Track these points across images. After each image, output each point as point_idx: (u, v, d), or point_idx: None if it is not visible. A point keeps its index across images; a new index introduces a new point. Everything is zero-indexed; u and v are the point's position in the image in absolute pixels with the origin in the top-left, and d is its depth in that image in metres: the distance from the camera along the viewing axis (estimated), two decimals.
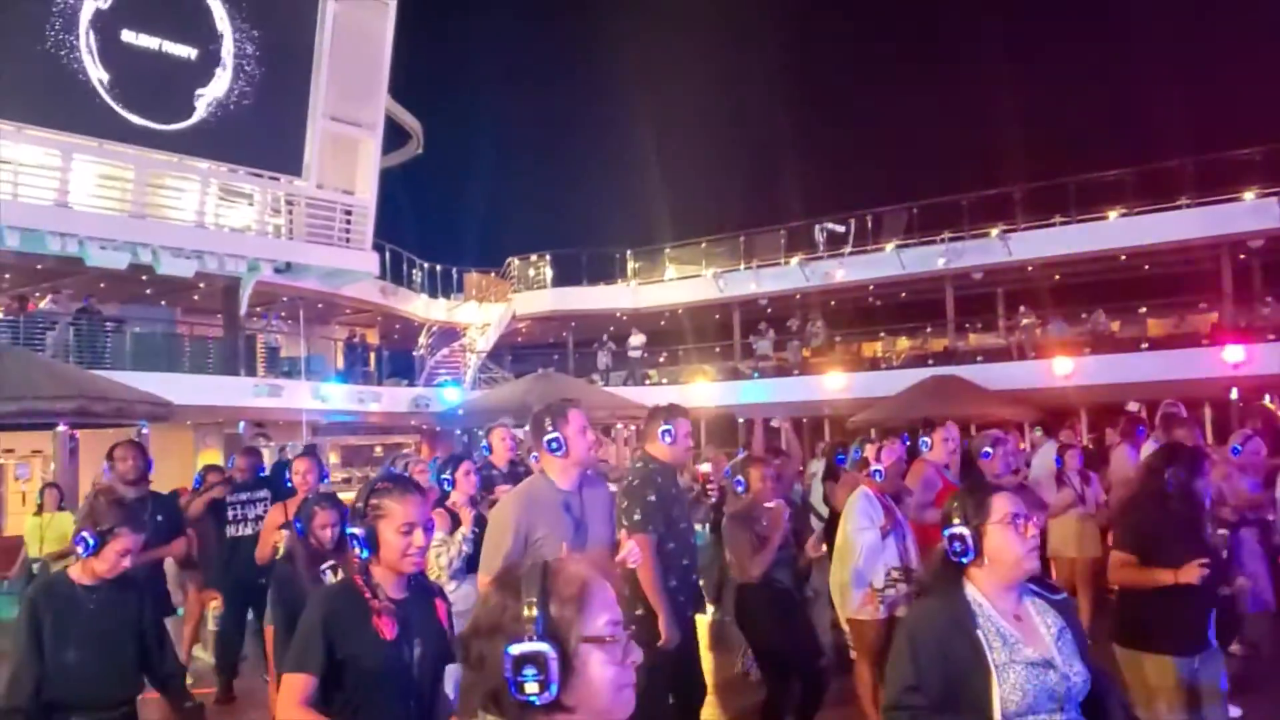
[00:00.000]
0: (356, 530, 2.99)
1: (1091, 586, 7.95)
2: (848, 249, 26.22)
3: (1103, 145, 25.44)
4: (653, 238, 31.58)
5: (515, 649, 1.57)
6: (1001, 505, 2.76)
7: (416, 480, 5.92)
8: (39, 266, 18.19)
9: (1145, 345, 22.61)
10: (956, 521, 2.77)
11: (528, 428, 4.39)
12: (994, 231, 23.71)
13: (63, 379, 13.68)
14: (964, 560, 2.74)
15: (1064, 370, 20.32)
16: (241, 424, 21.23)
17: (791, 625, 5.82)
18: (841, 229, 26.24)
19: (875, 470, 6.06)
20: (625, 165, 41.75)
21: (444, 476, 6.00)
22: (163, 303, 22.50)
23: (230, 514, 7.76)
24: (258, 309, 23.16)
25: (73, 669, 3.72)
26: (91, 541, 3.79)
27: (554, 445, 4.15)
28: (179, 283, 20.06)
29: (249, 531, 7.57)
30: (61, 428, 13.98)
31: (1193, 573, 4.13)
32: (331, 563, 4.63)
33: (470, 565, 5.38)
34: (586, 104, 41.53)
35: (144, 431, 16.16)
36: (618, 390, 25.62)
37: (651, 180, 35.46)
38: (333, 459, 26.18)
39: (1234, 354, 18.82)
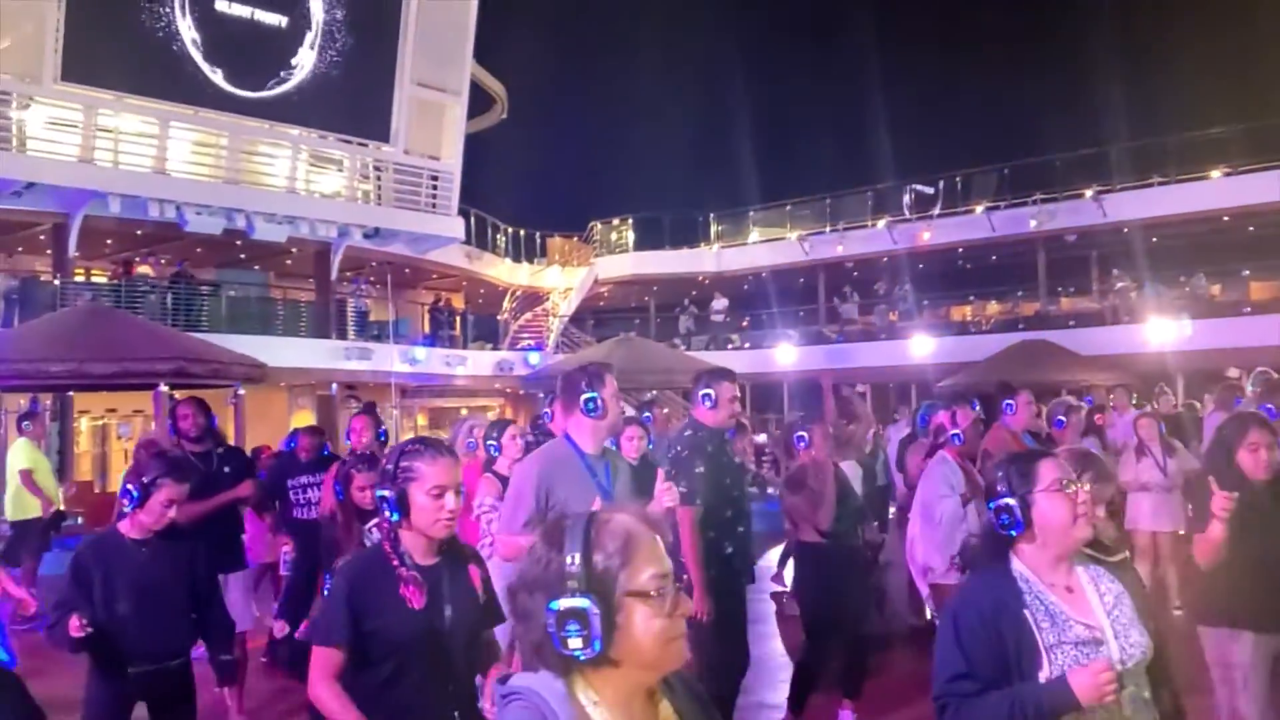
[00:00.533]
0: (386, 493, 2.89)
1: (1174, 562, 7.67)
2: (936, 211, 25.73)
3: (1205, 101, 24.41)
4: (737, 200, 31.35)
5: (557, 604, 1.56)
6: (1049, 471, 2.62)
7: (445, 442, 5.99)
8: (139, 232, 18.79)
9: (1247, 309, 21.82)
10: (1001, 491, 2.62)
11: (558, 390, 4.28)
12: (1088, 193, 23.02)
13: (161, 341, 14.09)
14: (1012, 533, 2.61)
15: (1160, 335, 19.69)
16: (333, 386, 21.73)
17: (842, 586, 5.65)
18: (930, 191, 25.76)
19: (955, 434, 5.99)
20: (709, 127, 41.48)
21: (490, 441, 5.98)
22: (256, 267, 23.10)
23: (292, 497, 7.11)
24: (347, 274, 23.61)
25: (125, 622, 3.73)
26: (136, 494, 3.81)
27: (591, 407, 4.06)
28: (272, 248, 20.54)
29: (313, 515, 6.80)
30: (161, 388, 14.44)
31: None
32: (375, 522, 4.65)
33: None
34: (671, 67, 41.23)
35: (239, 393, 16.64)
36: (700, 355, 25.57)
37: (736, 142, 35.17)
38: (420, 421, 26.69)
39: None
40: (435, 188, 22.74)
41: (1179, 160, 22.35)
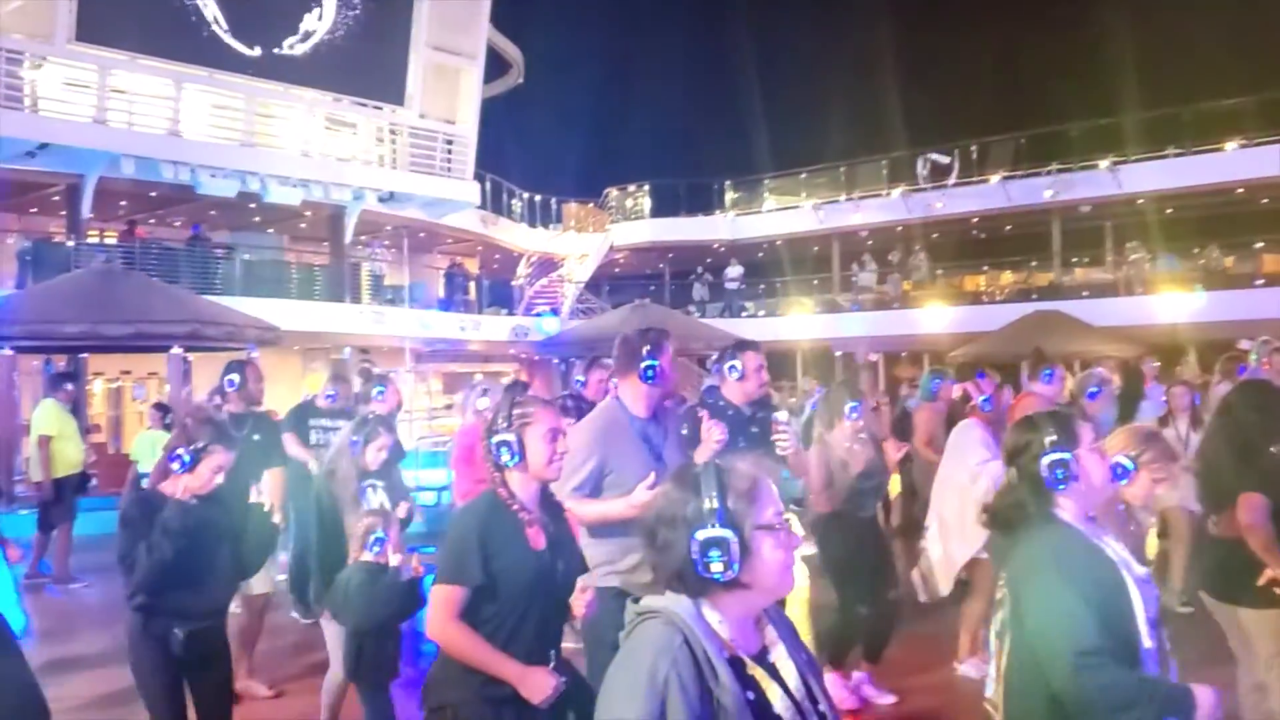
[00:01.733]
0: (506, 437, 3.02)
1: (1183, 541, 7.36)
2: (952, 180, 25.60)
3: (1220, 73, 24.13)
4: (752, 168, 31.25)
5: (701, 534, 1.85)
6: (1087, 433, 2.74)
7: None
8: (152, 194, 18.89)
9: (1260, 281, 21.72)
10: (1052, 446, 2.67)
11: (615, 353, 4.23)
12: (1104, 163, 22.88)
13: (176, 303, 14.24)
14: (1061, 487, 2.66)
15: (1173, 307, 19.63)
16: (347, 349, 21.89)
17: (863, 555, 5.69)
18: (946, 160, 25.63)
19: (985, 400, 6.03)
20: (725, 95, 41.17)
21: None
22: (270, 230, 23.21)
23: (313, 437, 7.26)
24: (362, 237, 23.70)
25: (170, 580, 3.84)
26: (188, 459, 3.91)
27: (650, 374, 4.02)
28: (286, 211, 20.62)
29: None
30: (176, 350, 14.59)
31: None
32: (372, 481, 4.83)
33: None
34: (686, 33, 40.98)
35: (253, 355, 16.80)
36: (714, 322, 25.59)
37: (751, 110, 34.87)
38: (435, 385, 26.85)
39: None
40: (450, 152, 22.75)
41: (1194, 132, 22.21)
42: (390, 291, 23.88)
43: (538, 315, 26.47)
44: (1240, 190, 21.80)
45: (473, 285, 26.58)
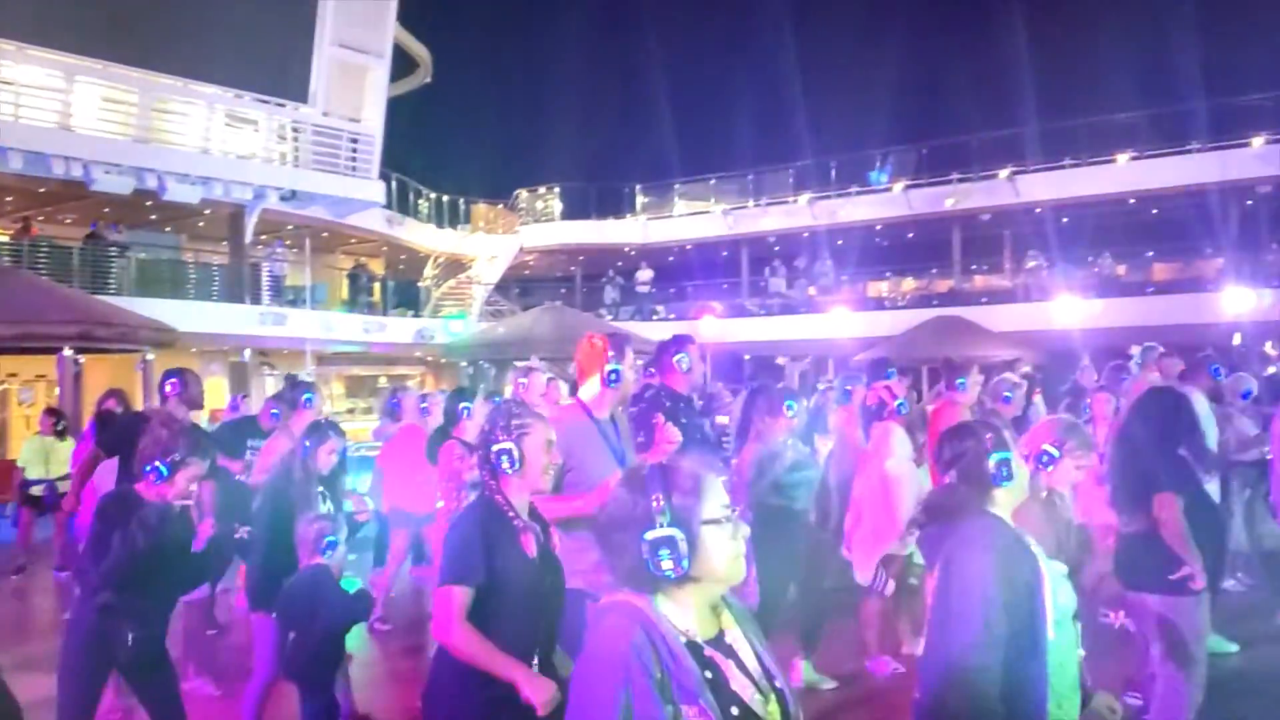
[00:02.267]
0: (506, 446, 3.12)
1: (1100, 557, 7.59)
2: (854, 189, 26.10)
3: (1115, 87, 25.05)
4: (663, 173, 31.42)
5: (650, 535, 1.94)
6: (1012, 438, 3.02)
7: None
8: (42, 190, 18.18)
9: (1150, 289, 22.56)
10: (994, 448, 2.90)
11: (577, 356, 4.36)
12: (1003, 173, 23.52)
13: (66, 303, 13.77)
14: (1006, 484, 2.89)
15: (1068, 313, 20.24)
16: (246, 352, 21.37)
17: (794, 546, 5.86)
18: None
19: (901, 404, 6.31)
20: (636, 99, 41.37)
21: (464, 405, 6.19)
22: (168, 229, 22.52)
23: (248, 456, 7.32)
24: (263, 237, 23.15)
25: (135, 580, 3.91)
26: (165, 470, 4.00)
27: (613, 379, 4.17)
28: (184, 209, 20.04)
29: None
30: (67, 352, 14.09)
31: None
32: (321, 490, 4.96)
33: None
34: (597, 35, 40.97)
35: (148, 358, 16.30)
36: (626, 325, 25.64)
37: (662, 115, 35.07)
38: (337, 389, 26.36)
39: (1237, 299, 18.73)
40: (355, 151, 22.36)
41: (1089, 144, 22.96)
42: (292, 292, 23.36)
43: (445, 317, 26.18)
44: (1132, 201, 22.60)
45: (378, 286, 26.17)
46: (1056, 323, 20.55)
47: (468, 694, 3.02)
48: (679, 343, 5.11)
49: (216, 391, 22.14)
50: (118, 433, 6.58)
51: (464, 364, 24.86)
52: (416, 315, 26.39)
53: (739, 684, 1.97)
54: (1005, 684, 2.63)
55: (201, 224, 21.85)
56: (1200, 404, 6.38)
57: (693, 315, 26.49)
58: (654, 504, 1.96)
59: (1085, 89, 26.99)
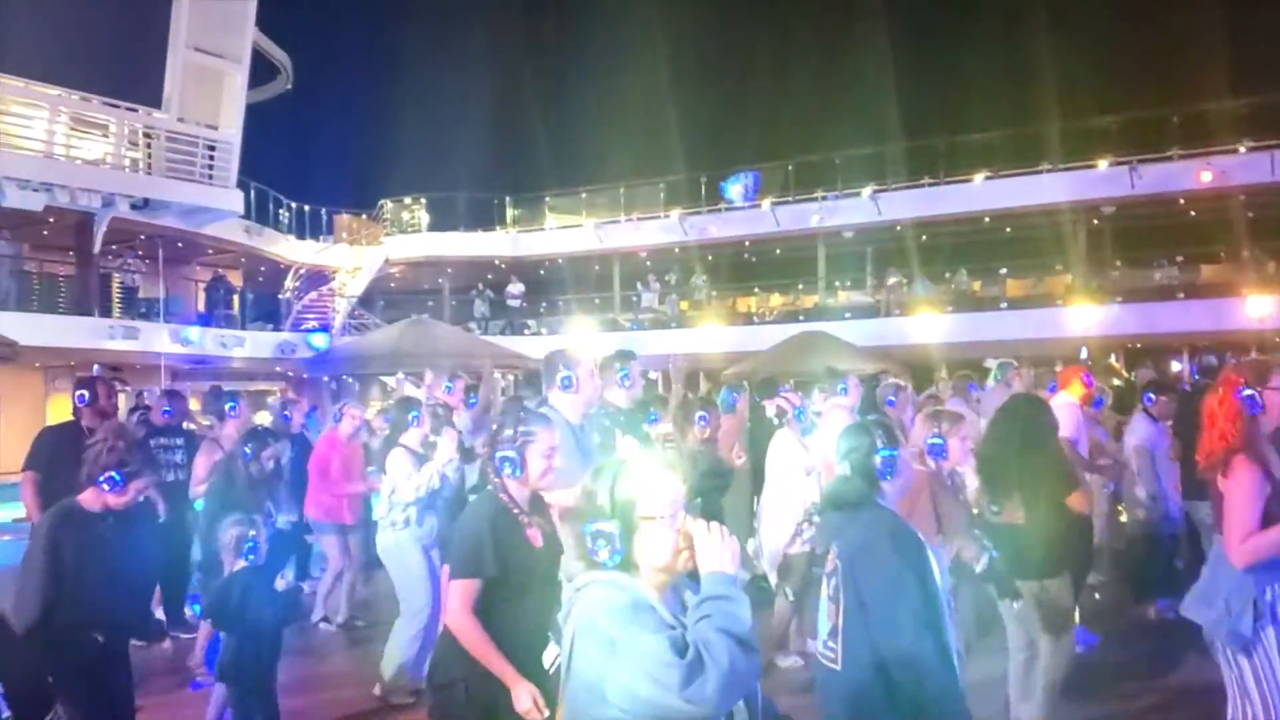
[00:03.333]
0: (509, 453, 3.46)
1: None
2: (724, 205, 26.47)
3: (974, 109, 26.08)
4: (533, 184, 31.26)
5: (589, 527, 2.19)
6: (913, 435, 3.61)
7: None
8: None
9: (1004, 305, 23.48)
10: (882, 446, 3.35)
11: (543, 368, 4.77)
12: (865, 192, 24.15)
13: None
14: (888, 478, 3.34)
15: (927, 328, 20.89)
16: (96, 367, 20.33)
17: None
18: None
19: (799, 411, 6.70)
20: (506, 108, 41.02)
21: (412, 414, 6.57)
22: (7, 236, 21.29)
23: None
24: (113, 246, 22.11)
25: (93, 591, 4.02)
26: (120, 480, 4.13)
27: (567, 382, 4.56)
28: (27, 216, 18.98)
29: (170, 478, 7.13)
30: None
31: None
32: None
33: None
34: (465, 43, 40.61)
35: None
36: (496, 339, 25.35)
37: (532, 126, 35.00)
38: (194, 405, 25.28)
39: (1084, 315, 19.63)
40: (212, 158, 21.59)
41: (948, 163, 23.81)
42: (144, 305, 22.36)
43: (307, 331, 25.44)
44: (987, 219, 23.50)
45: (236, 299, 25.28)
46: (915, 337, 21.19)
47: (474, 666, 3.34)
48: (618, 359, 5.20)
49: (64, 410, 21.05)
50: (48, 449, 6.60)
51: (326, 379, 24.20)
52: (277, 329, 25.58)
53: None
54: (919, 657, 3.09)
55: (45, 232, 20.72)
56: (1073, 412, 6.73)
57: (565, 330, 26.44)
58: (600, 498, 2.20)
59: (945, 110, 28.02)
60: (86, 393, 6.51)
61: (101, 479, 4.12)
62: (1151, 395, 8.05)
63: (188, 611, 7.10)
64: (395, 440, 6.54)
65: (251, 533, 4.82)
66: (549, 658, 3.25)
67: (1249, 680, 3.78)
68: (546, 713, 3.24)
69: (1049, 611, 5.02)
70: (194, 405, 25.34)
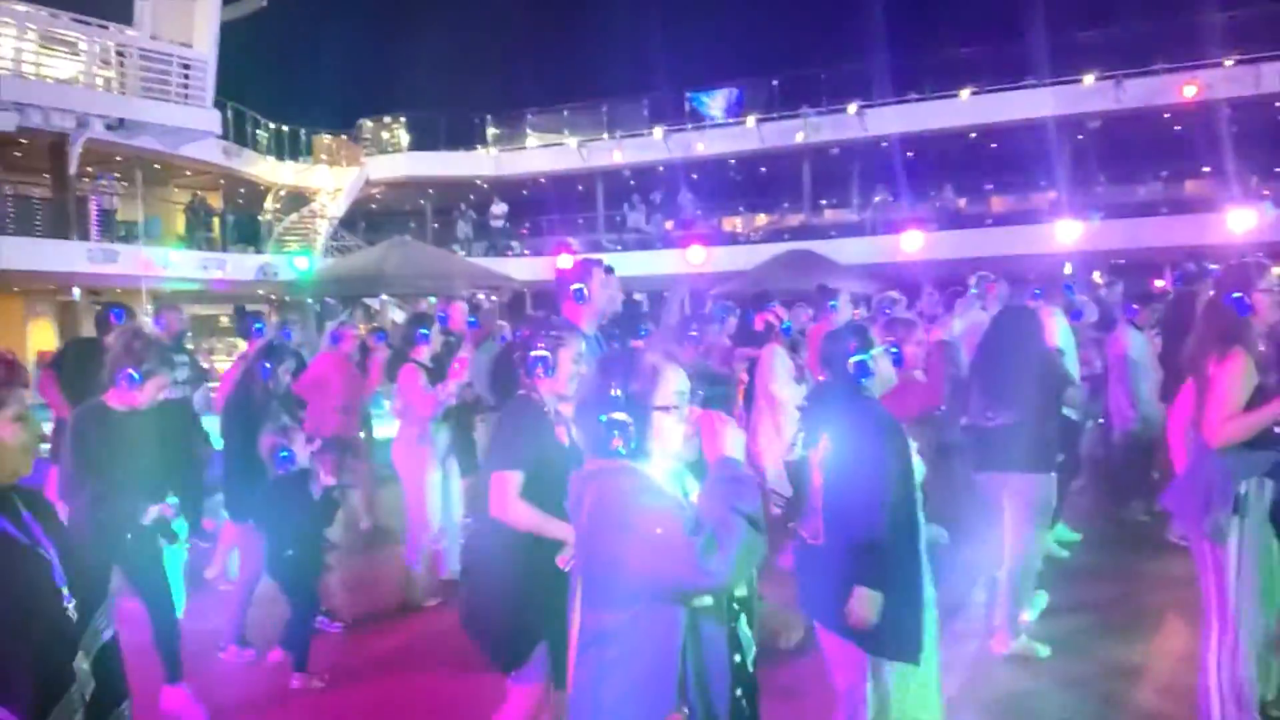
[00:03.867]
0: (543, 354, 3.62)
1: None
2: (708, 122, 26.20)
3: (960, 23, 25.76)
4: (514, 103, 30.76)
5: (605, 417, 2.27)
6: (879, 339, 3.84)
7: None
8: None
9: (989, 221, 23.45)
10: (857, 350, 3.64)
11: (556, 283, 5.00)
12: (851, 107, 23.92)
13: None
14: (865, 380, 3.62)
15: (912, 246, 20.84)
16: (76, 291, 20.18)
17: None
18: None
19: (786, 325, 6.93)
20: (486, 25, 40.24)
21: (422, 331, 6.72)
22: None
23: None
24: (89, 169, 21.77)
25: (118, 484, 4.27)
26: (138, 378, 4.39)
27: (579, 295, 4.73)
28: None
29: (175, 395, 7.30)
30: None
31: None
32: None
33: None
34: None
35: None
36: (480, 261, 25.21)
37: (513, 42, 34.34)
38: None
39: (1069, 230, 19.62)
40: (187, 77, 21.16)
41: (933, 79, 23.57)
42: (123, 228, 22.09)
43: (289, 253, 25.21)
44: (973, 135, 23.36)
45: (216, 221, 24.99)
46: (901, 255, 21.16)
47: (512, 563, 3.49)
48: (577, 272, 5.07)
49: (45, 335, 20.92)
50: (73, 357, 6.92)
51: (310, 301, 24.06)
52: (258, 251, 25.35)
53: None
54: (899, 536, 3.44)
55: (19, 154, 20.36)
56: (1059, 320, 6.86)
57: (549, 251, 26.23)
58: (613, 389, 2.27)
59: (932, 24, 27.64)
60: (124, 310, 6.75)
61: (120, 377, 4.38)
62: (1134, 306, 8.21)
63: (206, 521, 7.21)
64: (405, 355, 6.74)
65: (284, 442, 5.22)
66: (565, 558, 3.38)
67: (1225, 572, 3.98)
68: None
69: (1030, 505, 5.27)
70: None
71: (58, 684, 2.16)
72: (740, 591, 2.36)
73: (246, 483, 5.50)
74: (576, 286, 4.74)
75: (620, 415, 2.25)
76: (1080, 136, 23.05)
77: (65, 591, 2.21)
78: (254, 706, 5.06)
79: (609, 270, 5.27)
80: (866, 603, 3.44)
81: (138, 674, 2.58)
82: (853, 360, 3.62)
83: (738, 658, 2.34)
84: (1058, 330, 6.64)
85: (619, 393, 2.27)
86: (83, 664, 2.20)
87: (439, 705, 5.01)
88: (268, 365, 5.77)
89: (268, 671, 5.39)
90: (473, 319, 8.65)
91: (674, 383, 2.34)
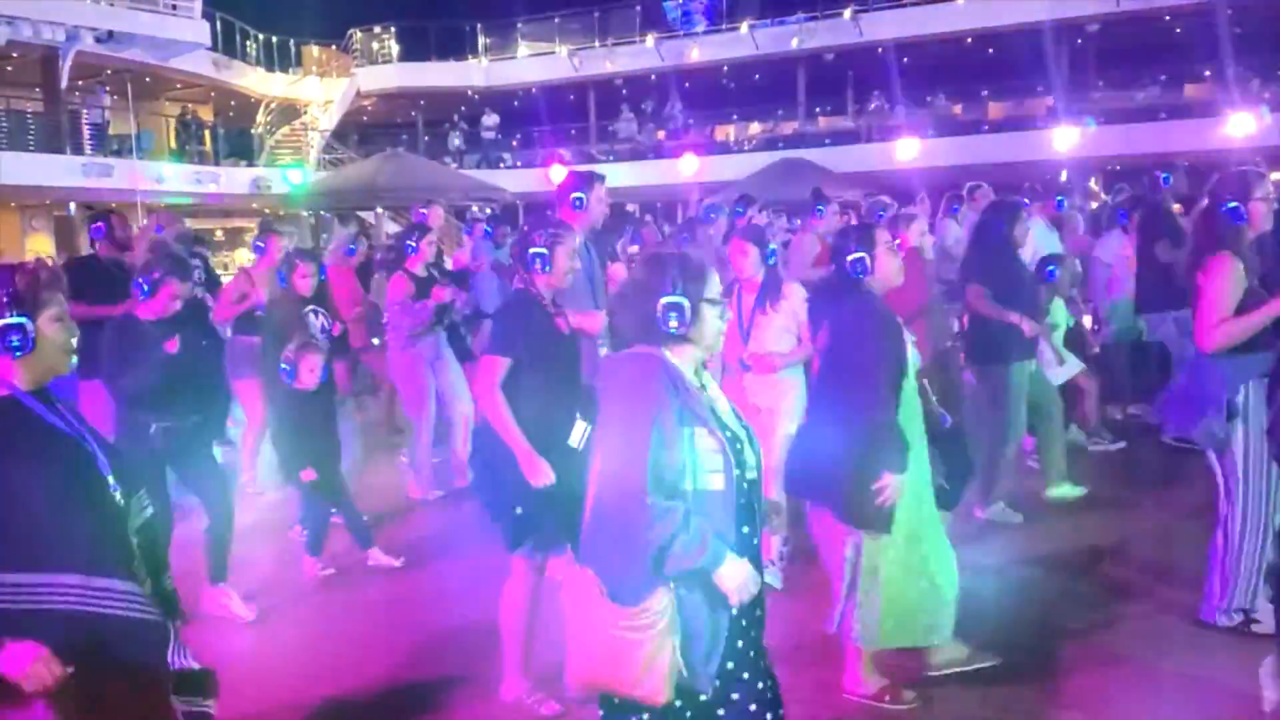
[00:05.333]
0: (540, 250, 3.78)
1: None
2: (702, 28, 25.87)
3: None
4: (504, 11, 30.26)
5: (664, 300, 2.53)
6: (883, 235, 3.92)
7: None
8: None
9: (985, 128, 23.35)
10: (853, 248, 3.81)
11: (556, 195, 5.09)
12: (847, 12, 23.64)
13: None
14: (861, 276, 3.79)
15: (908, 153, 20.79)
16: (73, 206, 20.16)
17: None
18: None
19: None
20: None
21: (409, 243, 6.89)
22: None
23: None
24: (79, 82, 21.56)
25: (149, 386, 4.47)
26: (146, 287, 4.57)
27: (578, 203, 4.93)
28: None
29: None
30: None
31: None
32: (312, 307, 5.85)
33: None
34: None
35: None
36: (472, 173, 25.11)
37: None
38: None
39: (1065, 137, 19.57)
40: None
41: None
42: (116, 142, 21.97)
43: (282, 166, 25.09)
44: (970, 40, 23.12)
45: (208, 134, 24.82)
46: (897, 162, 21.11)
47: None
48: (575, 182, 5.15)
49: (43, 249, 20.94)
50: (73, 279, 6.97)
51: (305, 214, 24.03)
52: (251, 165, 25.24)
53: (727, 416, 2.61)
54: (882, 421, 3.61)
55: (10, 68, 20.17)
56: (1038, 226, 7.11)
57: (540, 163, 26.09)
58: (669, 278, 2.53)
59: None
60: (103, 224, 6.82)
61: (133, 290, 4.66)
62: (1126, 212, 8.31)
63: (230, 423, 7.46)
64: (399, 266, 6.96)
65: (292, 357, 5.35)
66: (577, 435, 3.71)
67: (1230, 477, 4.12)
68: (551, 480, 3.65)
69: (1005, 394, 5.80)
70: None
71: (126, 552, 2.40)
72: (752, 474, 2.58)
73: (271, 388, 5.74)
74: (576, 195, 4.94)
75: (679, 298, 2.52)
76: (1079, 40, 22.82)
77: (111, 480, 2.41)
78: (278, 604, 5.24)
79: (601, 180, 5.44)
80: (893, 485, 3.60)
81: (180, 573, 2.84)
82: (850, 257, 3.80)
83: (745, 529, 2.53)
84: (1034, 238, 6.81)
85: (674, 279, 2.53)
86: (132, 540, 2.44)
87: (448, 590, 5.33)
88: (280, 273, 5.93)
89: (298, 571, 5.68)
90: (488, 228, 8.96)
91: (716, 280, 2.64)
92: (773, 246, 5.21)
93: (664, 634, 2.38)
